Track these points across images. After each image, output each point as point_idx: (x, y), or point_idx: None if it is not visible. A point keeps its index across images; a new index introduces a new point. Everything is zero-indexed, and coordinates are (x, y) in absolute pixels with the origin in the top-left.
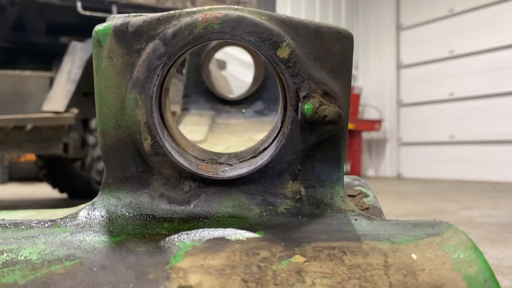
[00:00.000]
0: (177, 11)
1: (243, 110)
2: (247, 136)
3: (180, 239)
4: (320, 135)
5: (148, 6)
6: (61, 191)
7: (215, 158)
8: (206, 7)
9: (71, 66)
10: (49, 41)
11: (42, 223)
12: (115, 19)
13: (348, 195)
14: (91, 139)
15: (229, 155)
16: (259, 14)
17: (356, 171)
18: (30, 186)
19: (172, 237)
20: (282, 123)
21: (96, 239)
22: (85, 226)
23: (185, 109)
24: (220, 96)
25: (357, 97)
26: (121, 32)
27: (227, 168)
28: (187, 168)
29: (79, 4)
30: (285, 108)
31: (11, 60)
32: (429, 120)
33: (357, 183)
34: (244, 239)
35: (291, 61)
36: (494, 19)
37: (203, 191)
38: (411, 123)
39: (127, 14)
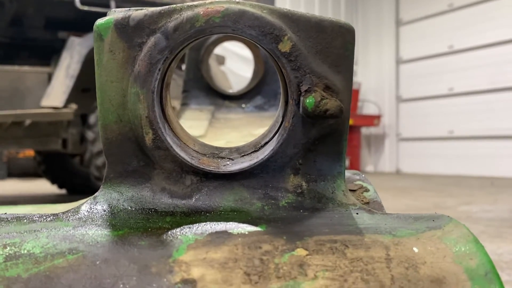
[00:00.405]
0: (178, 4)
1: (243, 105)
2: (247, 131)
3: (183, 233)
4: (321, 129)
5: (147, 1)
6: (60, 187)
7: (216, 153)
8: (208, 1)
9: (69, 61)
10: (47, 36)
11: (44, 217)
12: (116, 13)
13: (349, 190)
14: (90, 134)
15: (230, 149)
16: (260, 8)
17: (355, 166)
18: (28, 182)
19: (174, 230)
20: (283, 117)
21: (98, 233)
22: (88, 220)
23: (184, 104)
24: (219, 91)
25: (356, 92)
26: (122, 26)
27: (228, 162)
28: (188, 162)
29: None
30: (286, 102)
31: (9, 56)
32: (428, 115)
33: (358, 177)
34: (246, 233)
35: (293, 55)
36: (494, 14)
37: (204, 185)
38: (410, 118)
39: (128, 8)
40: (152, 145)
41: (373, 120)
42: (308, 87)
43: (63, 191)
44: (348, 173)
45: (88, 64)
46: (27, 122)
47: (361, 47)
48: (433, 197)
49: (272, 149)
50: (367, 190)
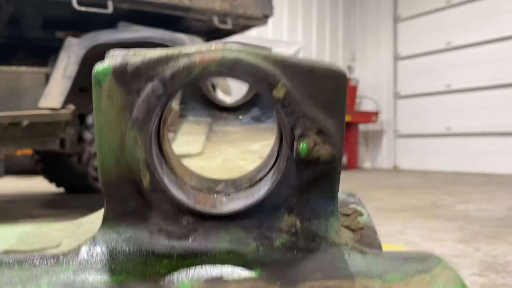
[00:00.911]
0: (175, 51)
1: (240, 117)
2: (244, 146)
3: (179, 279)
4: (315, 171)
5: (144, 1)
6: (58, 185)
7: (213, 186)
8: (204, 48)
9: (67, 62)
10: (45, 36)
11: (45, 260)
12: (114, 57)
13: (343, 214)
14: (87, 135)
15: (226, 182)
16: (255, 56)
17: (352, 163)
18: (26, 179)
19: (171, 276)
20: (278, 153)
21: (98, 279)
22: (87, 264)
23: (182, 116)
24: (217, 102)
25: (354, 89)
26: (120, 73)
27: (224, 199)
28: (185, 203)
29: (74, 0)
30: (280, 140)
31: (6, 56)
32: (426, 112)
33: (352, 200)
34: (241, 279)
35: (287, 101)
36: (492, 11)
37: (201, 225)
38: (408, 115)
39: (126, 51)
40: (149, 188)
41: (371, 116)
42: (302, 132)
43: (61, 190)
44: (342, 195)
45: (85, 64)
46: (25, 122)
47: (359, 43)
48: (430, 195)
49: (267, 190)
50: (361, 214)
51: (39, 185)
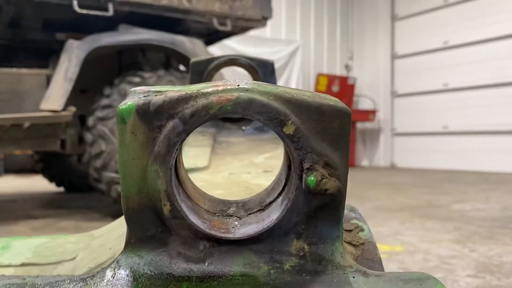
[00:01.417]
0: (193, 91)
1: (243, 127)
2: (248, 159)
3: None
4: (322, 200)
5: (144, 4)
6: (58, 185)
7: (225, 209)
8: (220, 88)
9: (68, 64)
10: (45, 38)
11: (74, 283)
12: (136, 95)
13: (345, 230)
14: (88, 136)
15: (237, 204)
16: (267, 95)
17: (350, 161)
18: (26, 178)
19: None
20: (286, 179)
21: None
22: (113, 286)
23: None
24: None
25: (352, 87)
26: (143, 111)
27: (237, 223)
28: (201, 229)
29: (75, 3)
30: (288, 166)
31: (7, 58)
32: (423, 110)
33: (353, 215)
34: None
35: (296, 137)
36: (489, 10)
37: (216, 250)
38: (405, 113)
39: (147, 90)
40: (169, 215)
41: (368, 115)
42: (310, 165)
43: (61, 189)
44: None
45: (86, 66)
46: (26, 124)
47: (356, 42)
48: (426, 194)
49: (278, 217)
50: (362, 230)
51: (39, 184)
